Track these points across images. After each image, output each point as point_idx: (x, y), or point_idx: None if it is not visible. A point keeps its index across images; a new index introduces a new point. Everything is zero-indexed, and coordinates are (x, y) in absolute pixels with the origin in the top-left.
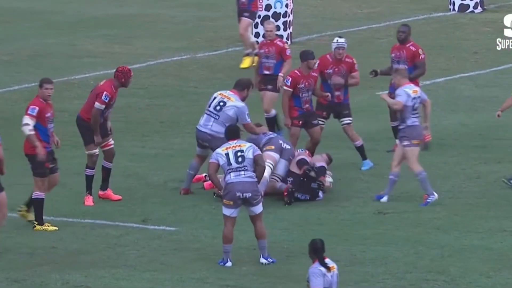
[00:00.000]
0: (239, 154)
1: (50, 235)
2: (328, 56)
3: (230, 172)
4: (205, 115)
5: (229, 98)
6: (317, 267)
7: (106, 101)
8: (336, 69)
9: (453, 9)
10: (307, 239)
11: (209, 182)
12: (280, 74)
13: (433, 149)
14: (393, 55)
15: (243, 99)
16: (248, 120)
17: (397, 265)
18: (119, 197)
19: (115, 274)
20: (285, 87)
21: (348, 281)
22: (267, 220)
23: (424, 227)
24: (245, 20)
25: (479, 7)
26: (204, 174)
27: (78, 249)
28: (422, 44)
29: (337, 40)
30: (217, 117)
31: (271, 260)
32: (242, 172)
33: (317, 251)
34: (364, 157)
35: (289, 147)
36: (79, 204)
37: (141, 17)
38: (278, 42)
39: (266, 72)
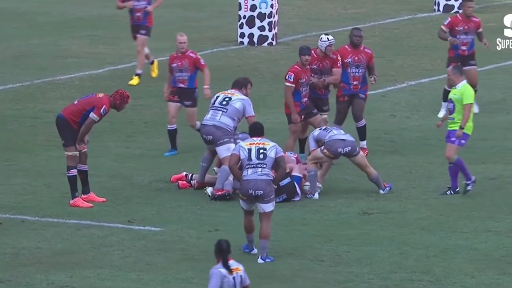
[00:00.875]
0: (261, 151)
1: (35, 235)
2: (312, 51)
3: (248, 168)
4: (211, 111)
5: (232, 94)
6: (217, 268)
7: (103, 114)
8: (320, 65)
9: (438, 10)
10: (292, 240)
11: (184, 182)
12: (205, 86)
13: (418, 149)
14: (350, 59)
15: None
16: (253, 113)
17: (382, 265)
18: (103, 199)
19: (100, 275)
20: (287, 83)
21: (333, 281)
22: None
23: (409, 227)
24: (142, 38)
25: None
26: (184, 173)
27: (63, 249)
28: (407, 45)
29: (328, 38)
30: (225, 110)
31: (269, 260)
32: (260, 169)
33: (221, 252)
34: (303, 151)
35: None
36: (64, 204)
37: (126, 17)
38: (190, 54)
39: (181, 85)
